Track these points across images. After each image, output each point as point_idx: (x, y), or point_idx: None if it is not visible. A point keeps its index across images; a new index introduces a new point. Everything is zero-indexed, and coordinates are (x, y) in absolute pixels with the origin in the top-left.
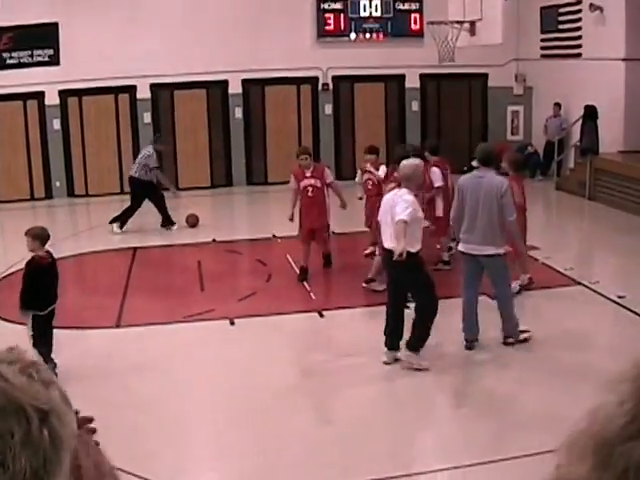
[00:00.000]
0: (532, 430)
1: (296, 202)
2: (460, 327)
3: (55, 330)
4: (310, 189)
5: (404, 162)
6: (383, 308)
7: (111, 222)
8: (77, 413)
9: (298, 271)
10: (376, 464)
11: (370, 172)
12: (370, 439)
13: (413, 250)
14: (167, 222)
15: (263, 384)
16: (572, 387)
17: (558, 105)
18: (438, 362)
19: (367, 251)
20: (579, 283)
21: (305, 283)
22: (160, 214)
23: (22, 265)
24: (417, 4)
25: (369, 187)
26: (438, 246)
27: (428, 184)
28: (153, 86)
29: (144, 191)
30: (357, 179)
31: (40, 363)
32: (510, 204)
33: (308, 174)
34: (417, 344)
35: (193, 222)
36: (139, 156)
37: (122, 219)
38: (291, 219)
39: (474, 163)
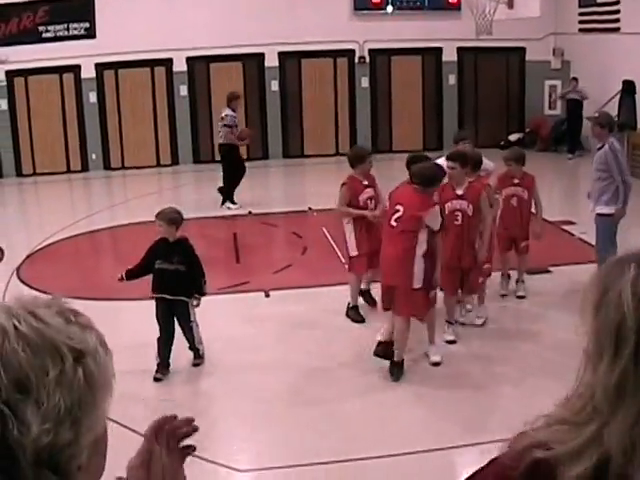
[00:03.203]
0: None
1: None
2: None
3: (91, 302)
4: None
5: None
6: None
7: (222, 204)
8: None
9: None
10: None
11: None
12: (406, 415)
13: None
14: (228, 199)
15: (296, 356)
16: None
17: (575, 80)
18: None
19: None
20: None
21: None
22: (224, 185)
23: (58, 237)
24: None
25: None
26: None
27: None
28: (189, 59)
29: (232, 157)
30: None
31: (79, 311)
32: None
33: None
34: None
35: (244, 136)
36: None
37: (226, 192)
38: None
39: (511, 138)
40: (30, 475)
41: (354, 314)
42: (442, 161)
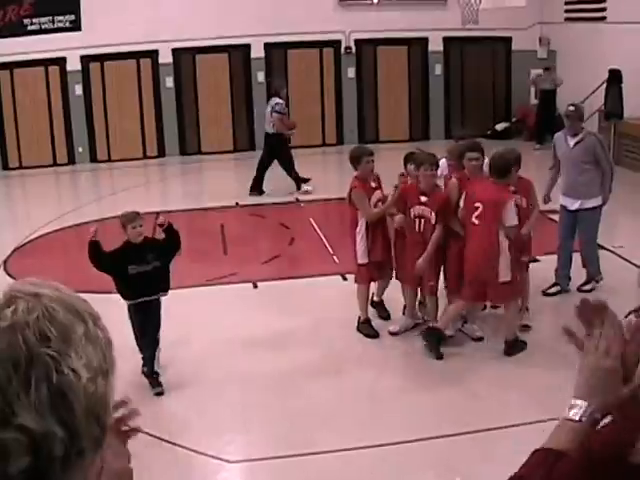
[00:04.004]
0: None
1: None
2: None
3: (80, 295)
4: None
5: None
6: None
7: (298, 189)
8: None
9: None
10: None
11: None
12: (398, 404)
13: None
14: (257, 188)
15: (285, 347)
16: None
17: (548, 69)
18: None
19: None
20: (602, 247)
21: (335, 257)
22: (256, 174)
23: (45, 230)
24: None
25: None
26: None
27: None
28: (175, 51)
29: (281, 145)
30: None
31: None
32: None
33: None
34: None
35: (293, 125)
36: (267, 110)
37: (295, 178)
38: None
39: (497, 127)
40: (83, 423)
41: (366, 328)
42: (443, 161)
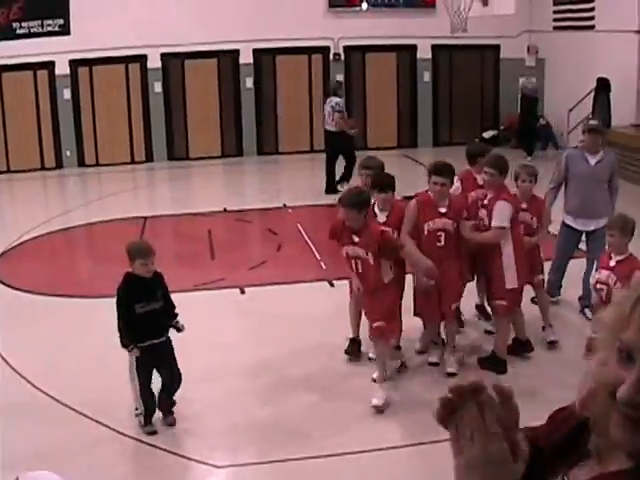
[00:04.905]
0: None
1: None
2: None
3: (66, 299)
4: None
5: None
6: None
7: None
8: None
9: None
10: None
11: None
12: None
13: None
14: (332, 188)
15: (272, 353)
16: None
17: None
18: None
19: None
20: None
21: (322, 263)
22: (327, 176)
23: (33, 234)
24: None
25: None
26: None
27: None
28: (164, 55)
29: (342, 143)
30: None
31: None
32: None
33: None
34: None
35: (354, 125)
36: (328, 111)
37: (347, 177)
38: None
39: (485, 135)
40: None
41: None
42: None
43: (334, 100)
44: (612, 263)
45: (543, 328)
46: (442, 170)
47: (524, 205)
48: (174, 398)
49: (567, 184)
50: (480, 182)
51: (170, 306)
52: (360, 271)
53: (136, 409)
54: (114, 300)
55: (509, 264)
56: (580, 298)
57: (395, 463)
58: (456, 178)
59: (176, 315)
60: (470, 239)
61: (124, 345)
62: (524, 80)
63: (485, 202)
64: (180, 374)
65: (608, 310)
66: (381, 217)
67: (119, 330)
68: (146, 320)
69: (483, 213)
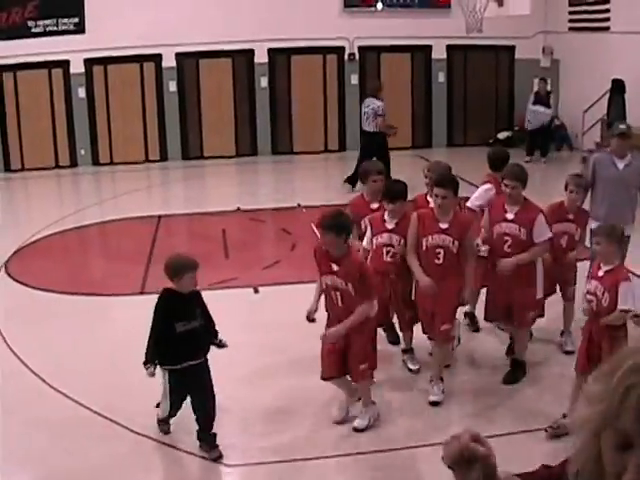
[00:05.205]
0: None
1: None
2: None
3: (79, 297)
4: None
5: None
6: None
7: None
8: None
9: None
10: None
11: None
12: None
13: None
14: (352, 181)
15: (286, 351)
16: None
17: (544, 80)
18: None
19: None
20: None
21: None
22: (354, 171)
23: (47, 232)
24: None
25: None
26: None
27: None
28: (178, 55)
29: (377, 145)
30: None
31: None
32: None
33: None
34: None
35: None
36: (366, 112)
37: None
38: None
39: (500, 136)
40: None
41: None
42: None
43: (376, 104)
44: (600, 273)
45: (562, 334)
46: (444, 182)
47: (570, 216)
48: (213, 430)
49: (594, 189)
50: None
51: (210, 323)
52: (341, 305)
53: (158, 413)
54: (127, 298)
55: (540, 274)
56: None
57: (404, 462)
58: (486, 184)
59: (217, 332)
60: (520, 263)
61: (146, 361)
62: (539, 82)
63: (510, 216)
64: (214, 403)
65: (594, 386)
66: (390, 224)
67: (148, 347)
68: (186, 339)
69: (506, 227)
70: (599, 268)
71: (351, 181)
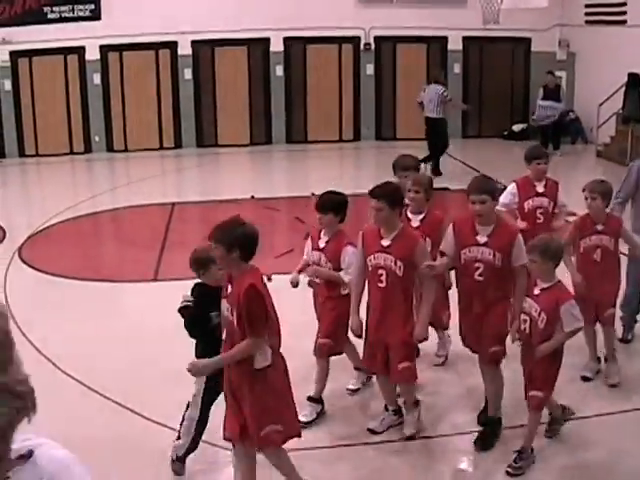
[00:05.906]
0: None
1: None
2: None
3: (93, 283)
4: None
5: None
6: None
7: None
8: None
9: None
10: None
11: None
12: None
13: None
14: (437, 171)
15: (298, 339)
16: None
17: (553, 74)
18: None
19: None
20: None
21: None
22: (431, 158)
23: (60, 218)
24: None
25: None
26: None
27: None
28: (194, 43)
29: (441, 129)
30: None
31: None
32: None
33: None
34: None
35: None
36: (432, 98)
37: (433, 161)
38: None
39: (515, 128)
40: None
41: None
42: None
43: (440, 89)
44: (536, 291)
45: (605, 359)
46: (376, 193)
47: (599, 227)
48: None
49: (634, 199)
50: (540, 189)
51: None
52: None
53: (178, 438)
54: (140, 285)
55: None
56: None
57: (420, 454)
58: (512, 185)
59: None
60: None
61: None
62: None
63: (482, 240)
64: None
65: None
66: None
67: (197, 343)
68: (217, 332)
69: (477, 251)
70: (535, 285)
71: (432, 162)
